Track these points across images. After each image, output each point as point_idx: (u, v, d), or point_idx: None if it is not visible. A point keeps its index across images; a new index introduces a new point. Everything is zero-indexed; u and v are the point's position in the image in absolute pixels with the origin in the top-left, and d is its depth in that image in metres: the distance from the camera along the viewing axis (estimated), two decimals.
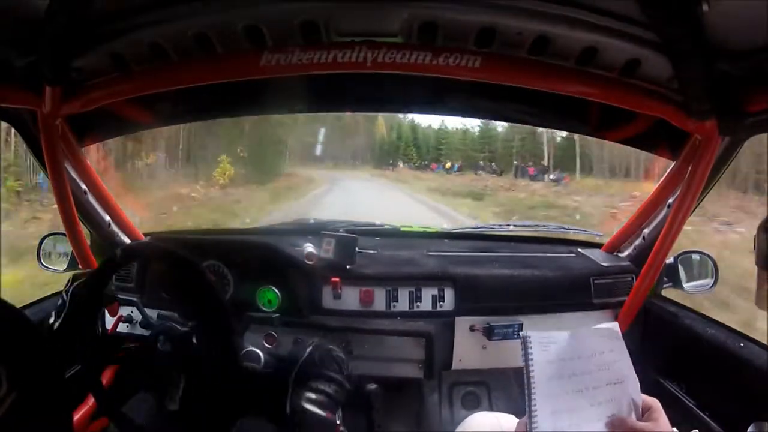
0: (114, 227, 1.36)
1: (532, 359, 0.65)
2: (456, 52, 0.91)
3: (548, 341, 0.66)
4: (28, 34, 0.84)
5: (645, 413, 0.68)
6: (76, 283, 1.08)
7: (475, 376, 1.46)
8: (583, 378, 0.66)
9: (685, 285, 1.33)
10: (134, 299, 1.23)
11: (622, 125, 1.21)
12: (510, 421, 1.00)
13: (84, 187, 1.25)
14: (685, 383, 1.17)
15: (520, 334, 0.67)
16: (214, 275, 1.27)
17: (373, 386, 1.19)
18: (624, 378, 0.68)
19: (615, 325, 0.71)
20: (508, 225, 1.67)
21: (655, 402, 0.69)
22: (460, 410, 1.44)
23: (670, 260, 1.31)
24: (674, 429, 0.67)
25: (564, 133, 12.96)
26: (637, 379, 0.69)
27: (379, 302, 1.27)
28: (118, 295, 1.27)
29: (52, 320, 1.05)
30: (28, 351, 0.48)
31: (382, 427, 1.24)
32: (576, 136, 11.26)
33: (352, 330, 1.23)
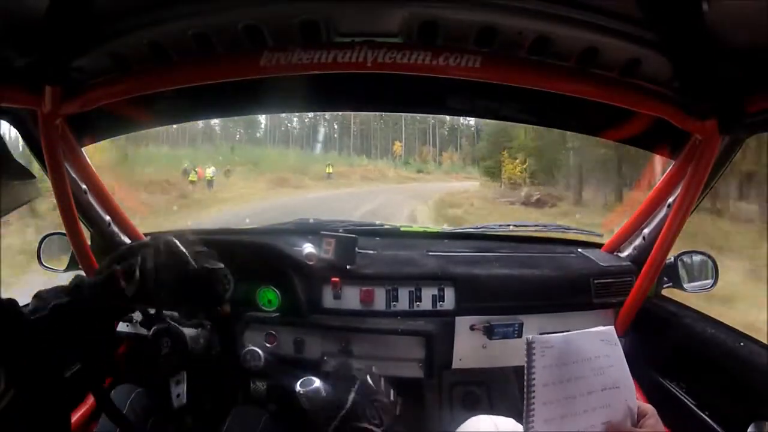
0: (114, 227, 1.35)
1: (534, 365, 0.63)
2: (456, 52, 0.91)
3: (546, 345, 0.64)
4: (28, 34, 0.84)
5: (641, 420, 0.66)
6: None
7: (475, 375, 1.45)
8: (577, 383, 0.64)
9: (685, 285, 1.33)
10: None
11: (622, 125, 1.21)
12: (508, 424, 0.99)
13: (84, 186, 1.25)
14: (685, 383, 1.17)
15: (525, 338, 0.64)
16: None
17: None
18: (619, 383, 0.66)
19: (611, 329, 0.69)
20: (508, 225, 1.66)
21: (650, 408, 0.68)
22: (460, 409, 1.44)
23: (670, 260, 1.31)
24: None
25: None
26: (633, 384, 0.67)
27: (380, 302, 1.27)
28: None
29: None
30: (25, 348, 0.48)
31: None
32: None
33: (352, 329, 1.23)
